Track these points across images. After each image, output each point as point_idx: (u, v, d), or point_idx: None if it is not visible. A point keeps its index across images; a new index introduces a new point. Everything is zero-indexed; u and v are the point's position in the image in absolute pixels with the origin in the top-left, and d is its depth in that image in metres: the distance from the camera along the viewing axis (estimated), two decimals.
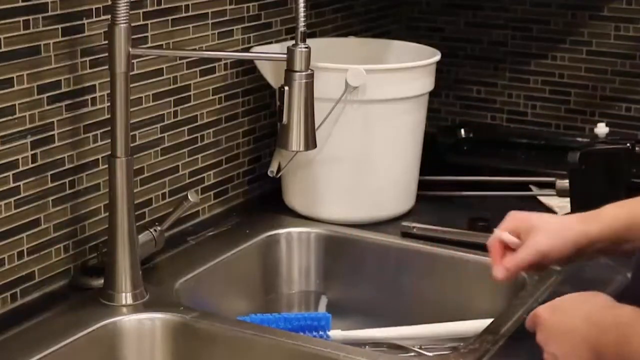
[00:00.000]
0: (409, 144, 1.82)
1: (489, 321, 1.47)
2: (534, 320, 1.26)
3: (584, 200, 1.73)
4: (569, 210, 1.87)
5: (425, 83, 1.81)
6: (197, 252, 1.67)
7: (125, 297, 1.47)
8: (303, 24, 1.35)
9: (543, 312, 1.25)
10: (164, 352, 1.44)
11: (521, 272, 1.43)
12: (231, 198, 1.88)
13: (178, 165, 1.74)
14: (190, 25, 1.71)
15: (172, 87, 1.69)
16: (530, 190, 1.97)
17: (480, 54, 2.29)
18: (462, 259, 1.68)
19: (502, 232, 1.38)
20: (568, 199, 1.89)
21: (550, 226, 1.35)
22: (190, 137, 1.75)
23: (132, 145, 1.48)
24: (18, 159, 1.44)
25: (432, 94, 1.86)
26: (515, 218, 1.39)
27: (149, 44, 1.63)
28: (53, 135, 1.49)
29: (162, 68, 1.67)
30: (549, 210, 1.89)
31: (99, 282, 1.50)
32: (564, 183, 1.80)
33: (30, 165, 1.46)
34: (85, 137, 1.54)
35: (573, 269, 1.55)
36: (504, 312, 1.48)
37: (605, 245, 1.34)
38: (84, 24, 1.51)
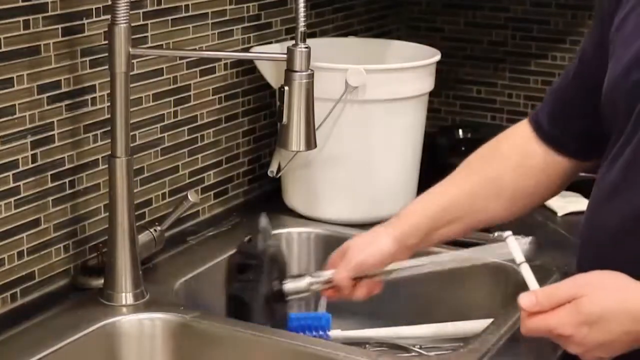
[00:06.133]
0: (409, 144, 1.81)
1: (489, 321, 1.47)
2: (558, 335, 1.17)
3: None
4: (569, 211, 1.87)
5: (425, 83, 1.80)
6: (197, 252, 1.67)
7: (125, 297, 1.47)
8: (303, 24, 1.35)
9: (573, 329, 1.15)
10: (164, 352, 1.44)
11: (348, 288, 1.46)
12: (231, 198, 1.88)
13: (178, 165, 1.74)
14: (190, 25, 1.71)
15: (172, 87, 1.69)
16: None
17: (480, 54, 2.29)
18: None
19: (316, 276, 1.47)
20: (569, 199, 1.89)
21: (360, 240, 1.46)
22: (190, 137, 1.75)
23: (132, 145, 1.48)
24: (18, 159, 1.44)
25: (432, 94, 1.86)
26: (331, 257, 1.48)
27: (149, 44, 1.63)
28: (53, 135, 1.49)
29: (162, 68, 1.67)
30: (549, 210, 1.88)
31: (99, 282, 1.50)
32: None
33: (30, 165, 1.46)
34: (85, 137, 1.54)
35: (573, 268, 1.54)
36: (504, 312, 1.48)
37: (420, 237, 1.45)
38: (84, 24, 1.51)
